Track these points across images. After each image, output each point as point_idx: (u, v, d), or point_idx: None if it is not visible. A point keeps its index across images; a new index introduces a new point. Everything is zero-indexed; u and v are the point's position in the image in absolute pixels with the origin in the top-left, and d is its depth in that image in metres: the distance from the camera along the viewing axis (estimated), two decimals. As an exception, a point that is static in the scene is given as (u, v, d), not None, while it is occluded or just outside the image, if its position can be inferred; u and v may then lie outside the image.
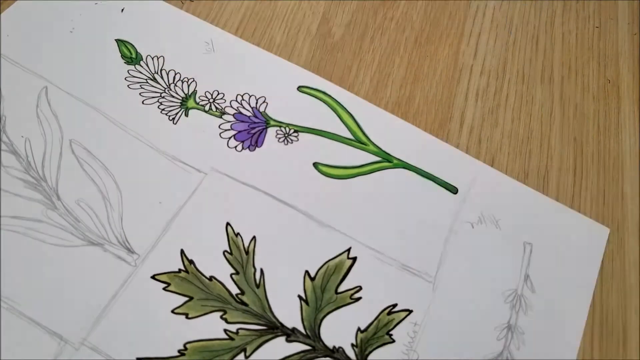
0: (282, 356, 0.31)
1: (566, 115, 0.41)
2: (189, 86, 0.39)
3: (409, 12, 0.44)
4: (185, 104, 0.38)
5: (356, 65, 0.42)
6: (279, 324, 0.32)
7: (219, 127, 0.38)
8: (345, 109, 0.39)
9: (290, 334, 0.32)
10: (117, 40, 0.40)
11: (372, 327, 0.32)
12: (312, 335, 0.32)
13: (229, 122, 0.38)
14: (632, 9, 0.46)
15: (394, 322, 0.32)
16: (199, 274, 0.33)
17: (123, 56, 0.39)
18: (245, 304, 0.32)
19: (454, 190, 0.37)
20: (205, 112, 0.38)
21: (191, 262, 0.33)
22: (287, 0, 0.43)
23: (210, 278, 0.33)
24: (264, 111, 0.38)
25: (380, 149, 0.38)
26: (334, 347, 0.32)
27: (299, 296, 0.33)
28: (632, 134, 0.40)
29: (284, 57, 0.41)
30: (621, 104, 0.41)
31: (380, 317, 0.33)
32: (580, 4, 0.46)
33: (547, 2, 0.46)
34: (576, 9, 0.46)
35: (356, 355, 0.31)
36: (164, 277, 0.32)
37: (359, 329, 0.32)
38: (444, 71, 0.42)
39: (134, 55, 0.40)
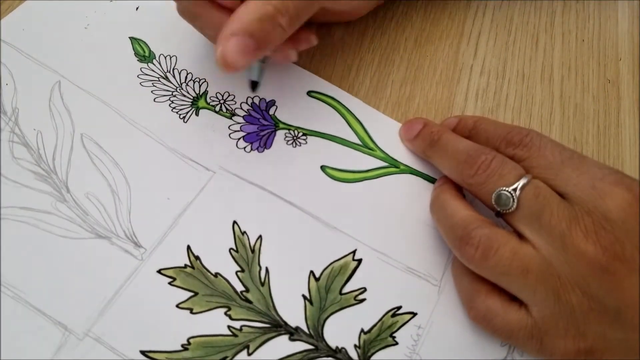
0: (284, 354, 0.31)
1: (566, 115, 0.41)
2: (200, 86, 0.39)
3: (409, 12, 0.44)
4: (196, 103, 0.38)
5: (356, 65, 0.42)
6: (282, 323, 0.32)
7: (229, 127, 0.38)
8: (354, 115, 0.39)
9: (294, 333, 0.32)
10: (131, 38, 0.40)
11: (375, 328, 0.32)
12: (315, 334, 0.32)
13: (238, 123, 0.38)
14: (632, 9, 0.46)
15: (398, 325, 0.32)
16: (205, 270, 0.33)
17: (136, 54, 0.40)
18: (250, 302, 0.32)
19: (460, 196, 0.37)
20: (216, 112, 0.38)
21: (197, 258, 0.33)
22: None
23: (216, 274, 0.33)
24: (274, 114, 0.39)
25: (388, 155, 0.38)
26: (337, 347, 0.32)
27: (303, 296, 0.33)
28: (632, 134, 0.40)
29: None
30: (621, 104, 0.41)
31: (383, 319, 0.33)
32: (580, 4, 0.46)
33: (547, 2, 0.46)
34: (576, 9, 0.46)
35: (359, 356, 0.31)
36: (169, 272, 0.33)
37: (362, 330, 0.32)
38: (444, 71, 0.42)
39: (147, 54, 0.40)
